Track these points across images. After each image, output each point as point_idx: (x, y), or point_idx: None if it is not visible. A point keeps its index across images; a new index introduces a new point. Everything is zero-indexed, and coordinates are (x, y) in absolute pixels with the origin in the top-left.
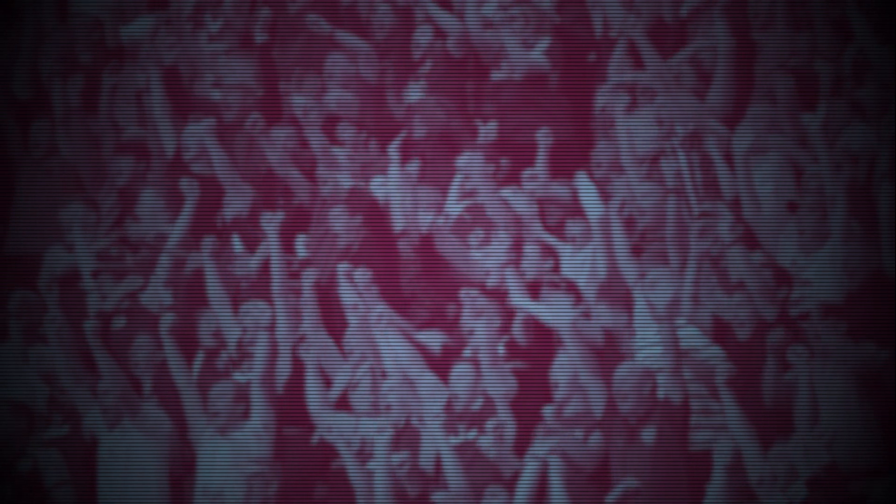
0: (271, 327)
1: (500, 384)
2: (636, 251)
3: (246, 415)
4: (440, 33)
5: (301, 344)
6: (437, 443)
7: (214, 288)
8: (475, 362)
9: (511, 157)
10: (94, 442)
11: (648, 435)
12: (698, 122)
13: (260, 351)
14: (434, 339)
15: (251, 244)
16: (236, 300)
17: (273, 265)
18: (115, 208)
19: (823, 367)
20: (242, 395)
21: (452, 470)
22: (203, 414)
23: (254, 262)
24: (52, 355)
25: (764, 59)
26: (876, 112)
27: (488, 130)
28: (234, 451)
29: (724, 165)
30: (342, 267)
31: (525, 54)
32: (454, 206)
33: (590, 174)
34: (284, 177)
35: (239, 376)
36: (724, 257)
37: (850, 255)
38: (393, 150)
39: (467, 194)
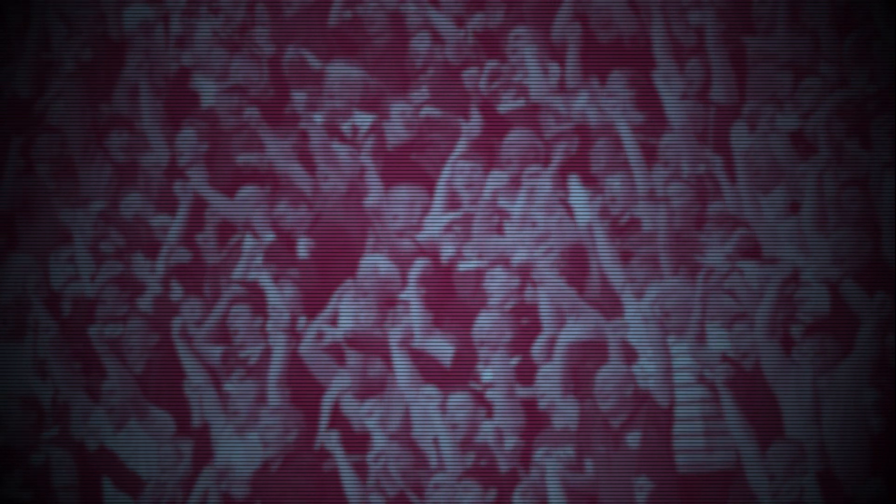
0: (288, 329)
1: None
2: (625, 256)
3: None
4: (438, 39)
5: (301, 347)
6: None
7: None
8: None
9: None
10: (99, 443)
11: (633, 439)
12: (699, 122)
13: (278, 351)
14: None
15: (250, 244)
16: (237, 302)
17: (264, 266)
18: (117, 209)
19: (824, 368)
20: (262, 395)
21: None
22: (222, 413)
23: (252, 261)
24: (54, 358)
25: (766, 59)
26: (876, 111)
27: (471, 127)
28: (252, 449)
29: (726, 164)
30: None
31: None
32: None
33: (584, 175)
34: (284, 177)
35: (237, 378)
36: (727, 257)
37: (852, 254)
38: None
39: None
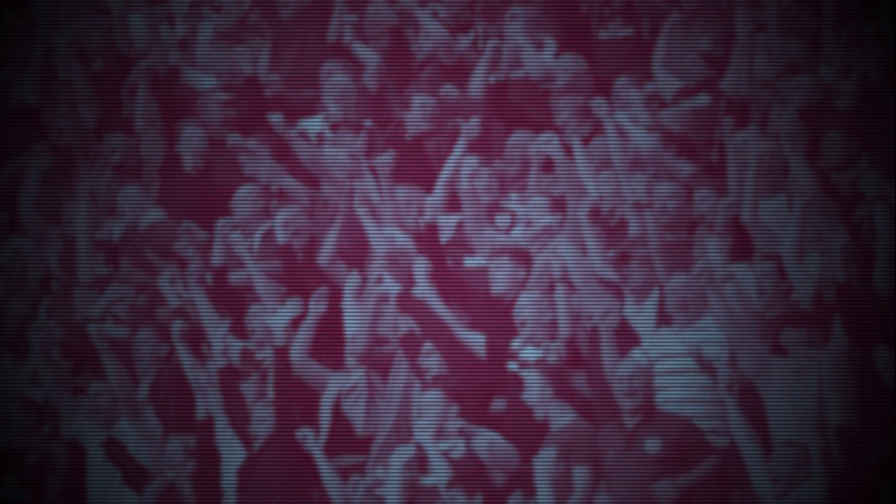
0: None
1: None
2: (622, 257)
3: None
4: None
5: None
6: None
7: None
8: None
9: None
10: (92, 443)
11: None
12: (698, 123)
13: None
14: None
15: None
16: (240, 305)
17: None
18: (117, 210)
19: (827, 367)
20: (264, 397)
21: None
22: (223, 415)
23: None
24: (50, 357)
25: (767, 60)
26: (875, 112)
27: (470, 128)
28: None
29: (723, 164)
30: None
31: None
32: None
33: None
34: (282, 181)
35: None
36: (726, 257)
37: (848, 253)
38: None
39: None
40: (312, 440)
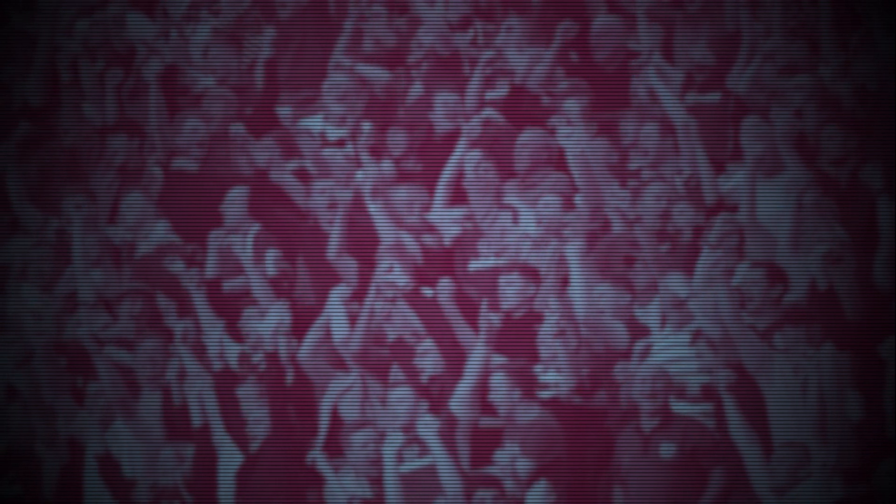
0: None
1: None
2: (615, 259)
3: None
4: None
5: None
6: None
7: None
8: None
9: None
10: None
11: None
12: (696, 122)
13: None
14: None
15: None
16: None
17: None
18: (119, 212)
19: (823, 368)
20: (264, 401)
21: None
22: (220, 418)
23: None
24: (46, 356)
25: (766, 62)
26: (874, 115)
27: (472, 127)
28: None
29: (720, 165)
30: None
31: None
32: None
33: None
34: (279, 182)
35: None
36: (722, 259)
37: (846, 254)
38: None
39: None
40: (322, 461)
